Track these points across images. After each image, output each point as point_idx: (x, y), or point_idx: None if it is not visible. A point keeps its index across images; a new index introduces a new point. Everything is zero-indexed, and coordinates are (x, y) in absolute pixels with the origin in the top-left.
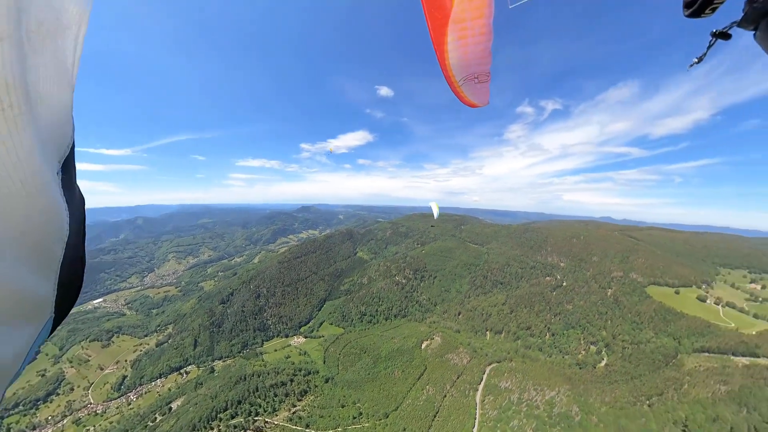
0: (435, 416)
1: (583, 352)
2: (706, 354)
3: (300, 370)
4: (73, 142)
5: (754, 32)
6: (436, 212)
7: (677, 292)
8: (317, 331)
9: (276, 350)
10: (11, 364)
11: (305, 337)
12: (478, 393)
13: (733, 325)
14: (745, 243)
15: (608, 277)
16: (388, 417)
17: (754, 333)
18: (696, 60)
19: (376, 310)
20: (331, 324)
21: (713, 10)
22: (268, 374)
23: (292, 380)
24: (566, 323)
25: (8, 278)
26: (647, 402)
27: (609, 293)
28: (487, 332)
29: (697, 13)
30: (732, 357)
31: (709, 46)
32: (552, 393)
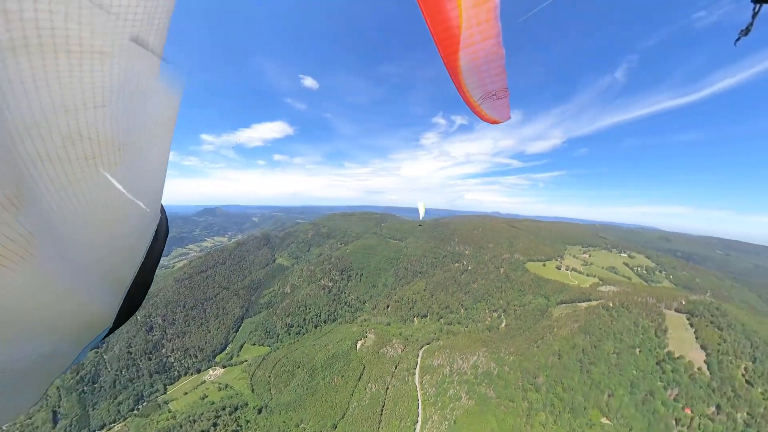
0: (382, 410)
1: (489, 319)
2: (564, 304)
3: (224, 409)
4: (161, 196)
5: None
6: (422, 211)
7: (544, 265)
8: (238, 356)
9: (186, 393)
10: (62, 365)
11: (223, 367)
12: (416, 376)
13: (576, 282)
14: (580, 228)
15: (500, 258)
16: (336, 428)
17: (587, 286)
18: (743, 32)
19: (304, 320)
20: (254, 344)
21: None
22: (182, 427)
23: (215, 425)
24: (474, 298)
25: (80, 295)
26: (535, 345)
27: (501, 271)
28: (415, 318)
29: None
30: (578, 303)
31: (755, 14)
32: (474, 357)
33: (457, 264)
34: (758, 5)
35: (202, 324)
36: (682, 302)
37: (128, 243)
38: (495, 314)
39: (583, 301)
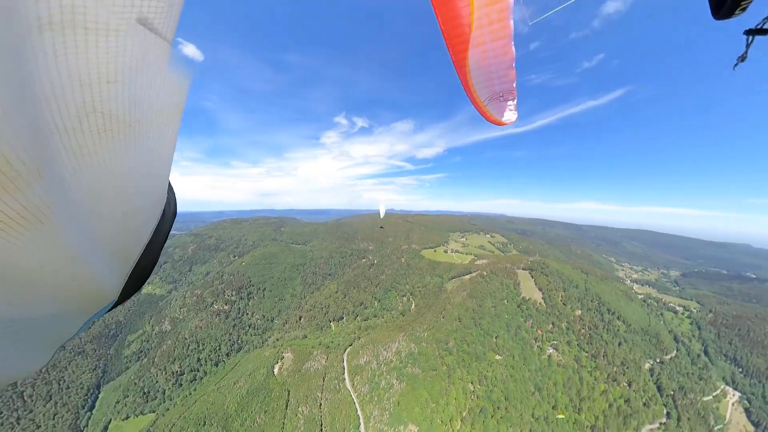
0: (321, 429)
1: (401, 305)
2: (454, 279)
3: None
4: (169, 181)
5: None
6: (383, 212)
7: (435, 250)
8: None
9: None
10: (68, 332)
11: None
12: (347, 381)
13: (459, 261)
14: (458, 218)
15: (400, 250)
16: None
17: (467, 262)
18: (739, 60)
19: (198, 360)
20: (128, 417)
21: (743, 9)
22: None
23: None
24: (384, 289)
25: (88, 265)
26: (441, 316)
27: (403, 260)
28: (332, 323)
29: (728, 15)
30: (463, 276)
31: (748, 45)
32: (395, 344)
33: (363, 260)
34: (751, 37)
35: (28, 411)
36: (526, 263)
37: (136, 221)
38: (405, 299)
39: (467, 274)
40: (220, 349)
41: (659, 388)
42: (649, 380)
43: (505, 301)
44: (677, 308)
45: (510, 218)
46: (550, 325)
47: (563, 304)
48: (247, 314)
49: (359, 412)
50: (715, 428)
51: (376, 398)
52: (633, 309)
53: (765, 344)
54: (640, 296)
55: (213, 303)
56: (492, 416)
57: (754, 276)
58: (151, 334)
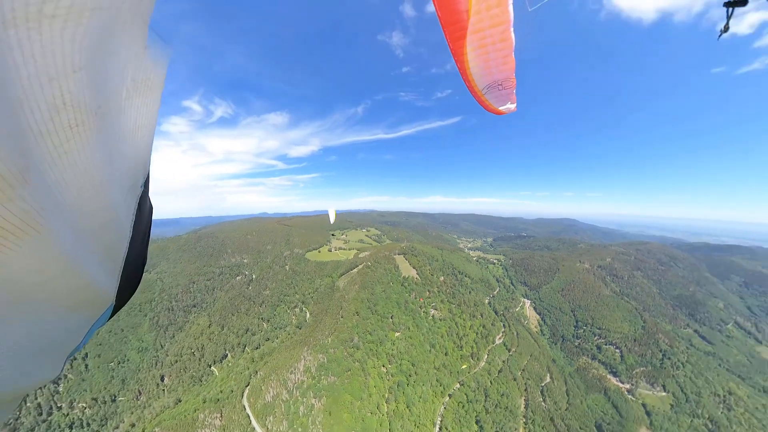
0: None
1: (294, 318)
2: (344, 275)
3: None
4: (149, 169)
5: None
6: (333, 217)
7: (319, 251)
8: None
9: None
10: (74, 340)
11: None
12: (257, 426)
13: (345, 257)
14: (336, 217)
15: (282, 257)
16: None
17: (352, 257)
18: (722, 30)
19: None
20: None
21: None
22: None
23: None
24: (271, 305)
25: (83, 268)
26: (340, 316)
27: (287, 268)
28: (212, 367)
29: (739, 3)
30: (351, 271)
31: (729, 16)
32: (301, 362)
33: (239, 277)
34: (731, 8)
35: None
36: (400, 249)
37: (116, 215)
38: (297, 310)
39: (354, 268)
40: None
41: (496, 312)
42: (490, 310)
43: (391, 283)
44: (494, 261)
45: (381, 213)
46: (427, 292)
47: (431, 274)
48: (61, 410)
49: None
50: (524, 322)
51: (300, 429)
52: (472, 267)
53: (534, 271)
54: (474, 258)
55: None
56: (408, 384)
57: (525, 234)
58: None
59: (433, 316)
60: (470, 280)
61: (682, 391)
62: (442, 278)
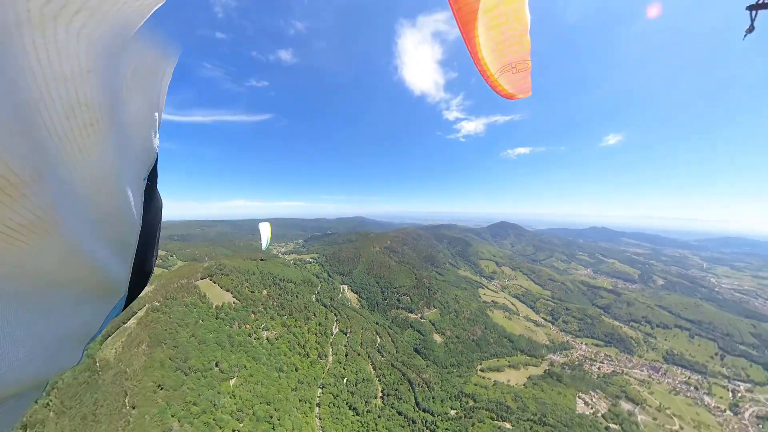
0: None
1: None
2: (109, 338)
3: None
4: (157, 159)
5: None
6: (265, 239)
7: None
8: None
9: None
10: (91, 329)
11: None
12: None
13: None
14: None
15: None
16: None
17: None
18: (747, 31)
19: None
20: None
21: None
22: None
23: None
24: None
25: (98, 260)
26: (127, 413)
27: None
28: None
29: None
30: (125, 325)
31: (753, 19)
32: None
33: None
34: (755, 11)
35: None
36: (202, 271)
37: (127, 207)
38: None
39: (127, 320)
40: None
41: (325, 306)
42: (319, 305)
43: (201, 320)
44: (310, 260)
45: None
46: (252, 315)
47: (251, 292)
48: None
49: None
50: (348, 304)
51: None
52: (292, 271)
53: (344, 261)
54: (291, 262)
55: None
56: (275, 428)
57: (330, 232)
58: None
59: (267, 339)
60: (293, 285)
61: (441, 305)
62: (265, 292)
